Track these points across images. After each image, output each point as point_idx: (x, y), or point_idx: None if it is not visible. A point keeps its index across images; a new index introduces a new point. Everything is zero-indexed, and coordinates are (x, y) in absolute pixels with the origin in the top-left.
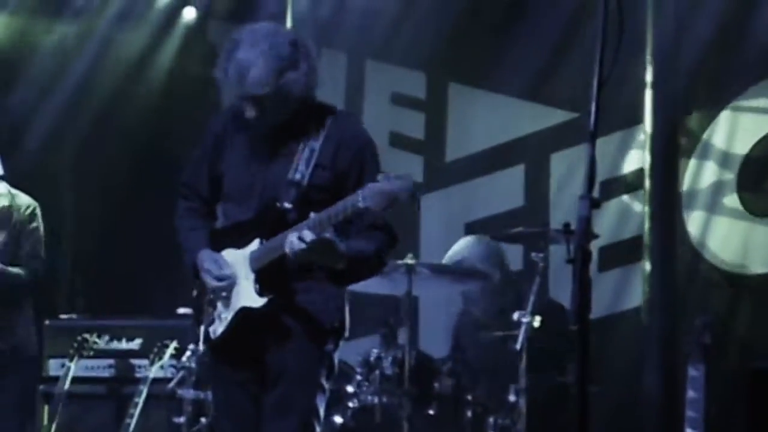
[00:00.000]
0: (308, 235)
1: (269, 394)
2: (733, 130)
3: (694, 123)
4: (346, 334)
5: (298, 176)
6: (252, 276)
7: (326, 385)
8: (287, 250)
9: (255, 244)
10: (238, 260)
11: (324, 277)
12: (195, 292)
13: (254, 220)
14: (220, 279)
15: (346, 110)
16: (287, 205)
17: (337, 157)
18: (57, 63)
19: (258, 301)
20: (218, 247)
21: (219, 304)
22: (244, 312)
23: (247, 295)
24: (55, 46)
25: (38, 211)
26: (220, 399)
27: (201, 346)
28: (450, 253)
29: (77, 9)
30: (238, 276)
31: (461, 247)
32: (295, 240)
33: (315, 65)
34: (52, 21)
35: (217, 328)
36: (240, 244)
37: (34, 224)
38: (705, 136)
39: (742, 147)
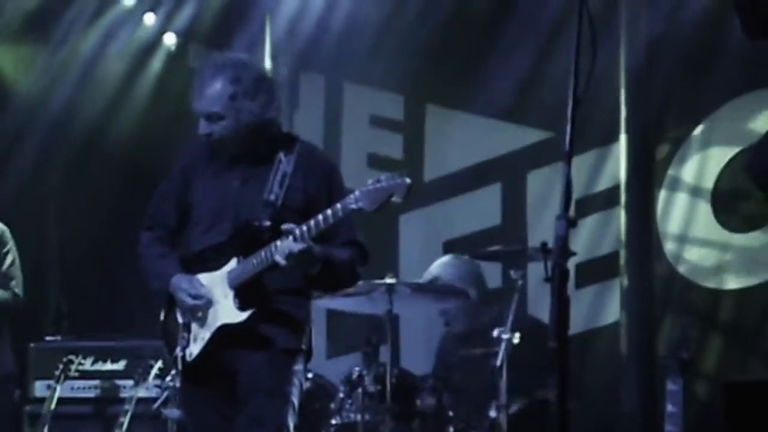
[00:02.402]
0: (298, 244)
1: (241, 412)
2: (708, 146)
3: (668, 139)
4: (313, 357)
5: (272, 197)
6: (231, 294)
7: (296, 403)
8: (280, 258)
9: (232, 263)
10: (214, 281)
11: (298, 293)
12: (162, 317)
13: (229, 242)
14: (196, 298)
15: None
16: (266, 223)
17: (308, 181)
18: (41, 88)
19: (239, 317)
20: (191, 272)
21: (194, 326)
22: (223, 329)
23: (227, 313)
24: (39, 71)
25: (8, 234)
26: (194, 421)
27: (176, 371)
28: (426, 273)
29: (61, 35)
30: (215, 296)
31: (436, 266)
32: (287, 247)
33: (277, 101)
34: (37, 47)
35: (193, 350)
36: (214, 266)
37: (6, 248)
38: (680, 152)
39: (717, 162)
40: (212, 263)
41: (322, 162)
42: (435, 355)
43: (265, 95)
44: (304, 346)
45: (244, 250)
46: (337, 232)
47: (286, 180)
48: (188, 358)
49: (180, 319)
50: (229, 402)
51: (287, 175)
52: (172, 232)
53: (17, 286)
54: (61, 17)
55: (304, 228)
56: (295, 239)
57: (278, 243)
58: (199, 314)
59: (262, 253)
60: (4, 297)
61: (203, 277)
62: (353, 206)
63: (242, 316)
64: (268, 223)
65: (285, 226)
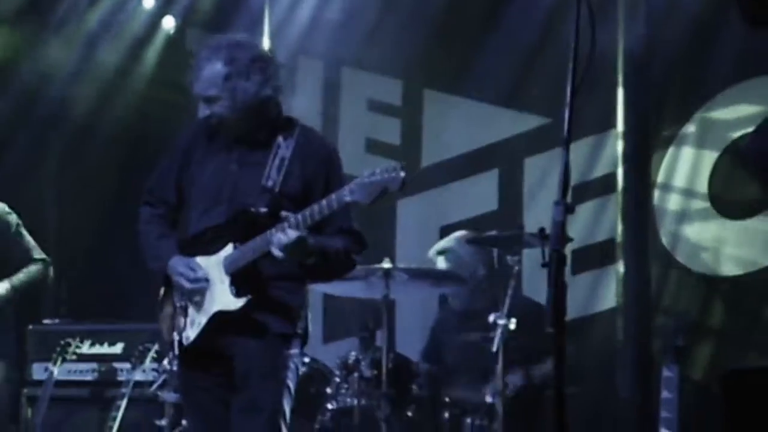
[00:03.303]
0: (294, 233)
1: (237, 396)
2: (704, 134)
3: (665, 127)
4: (309, 341)
5: (270, 183)
6: (227, 279)
7: (292, 387)
8: (275, 249)
9: (229, 249)
10: (210, 265)
11: (293, 279)
12: (160, 299)
13: (226, 226)
14: (194, 281)
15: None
16: (263, 210)
17: (306, 166)
18: (39, 72)
19: (235, 304)
20: (187, 255)
21: (191, 310)
22: (219, 315)
23: (222, 299)
24: (38, 55)
25: (7, 209)
26: (191, 404)
27: (174, 354)
28: (439, 244)
29: (60, 20)
30: (212, 280)
31: (452, 239)
32: (283, 237)
33: (275, 81)
34: (35, 30)
35: (190, 334)
36: (211, 250)
37: (11, 225)
38: (676, 140)
39: (713, 150)
40: (210, 246)
41: (321, 147)
42: (429, 338)
43: (260, 74)
44: (299, 330)
45: (241, 236)
46: (332, 220)
47: (285, 165)
48: (185, 342)
49: (177, 303)
50: (226, 386)
51: (285, 160)
52: (171, 208)
53: (37, 252)
54: (60, 1)
55: (299, 218)
56: (290, 227)
57: (273, 231)
58: (197, 298)
59: (258, 240)
60: (35, 271)
61: (200, 260)
62: (348, 198)
63: (238, 303)
64: (264, 210)
65: (282, 214)
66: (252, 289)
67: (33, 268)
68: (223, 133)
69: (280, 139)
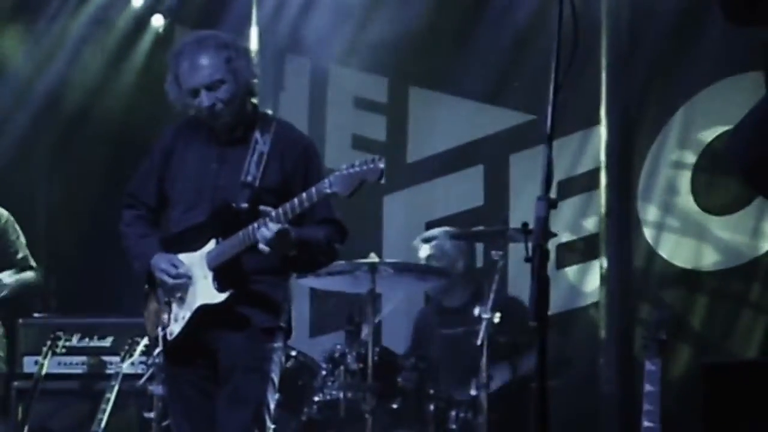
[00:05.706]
0: (276, 226)
1: (221, 389)
2: (688, 130)
3: (649, 122)
4: (293, 334)
5: (250, 178)
6: (210, 275)
7: (276, 380)
8: (259, 243)
9: (211, 244)
10: (193, 262)
11: (276, 273)
12: (144, 296)
13: (208, 223)
14: (176, 277)
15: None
16: (244, 205)
17: (284, 159)
18: (29, 69)
19: (218, 298)
20: (171, 252)
21: (174, 306)
22: (202, 310)
23: (205, 294)
24: (28, 52)
25: (12, 219)
26: (176, 397)
27: (158, 350)
28: (425, 234)
29: (50, 16)
30: (195, 276)
31: (439, 230)
32: (265, 230)
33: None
34: (25, 27)
35: (174, 329)
36: (193, 246)
37: (16, 234)
38: (660, 136)
39: (697, 146)
40: (192, 243)
41: (298, 140)
42: (414, 332)
43: (249, 55)
44: (283, 324)
45: (223, 232)
46: (314, 211)
47: (263, 160)
48: (169, 337)
49: (160, 299)
50: (210, 379)
51: (264, 154)
52: (153, 210)
53: (31, 260)
54: None
55: (280, 211)
56: (271, 221)
57: (255, 226)
58: (179, 294)
59: (240, 235)
60: (31, 278)
61: (183, 257)
62: (327, 191)
63: (221, 297)
64: (245, 205)
65: (262, 209)
66: (234, 284)
67: (29, 275)
68: (219, 122)
69: (257, 134)
